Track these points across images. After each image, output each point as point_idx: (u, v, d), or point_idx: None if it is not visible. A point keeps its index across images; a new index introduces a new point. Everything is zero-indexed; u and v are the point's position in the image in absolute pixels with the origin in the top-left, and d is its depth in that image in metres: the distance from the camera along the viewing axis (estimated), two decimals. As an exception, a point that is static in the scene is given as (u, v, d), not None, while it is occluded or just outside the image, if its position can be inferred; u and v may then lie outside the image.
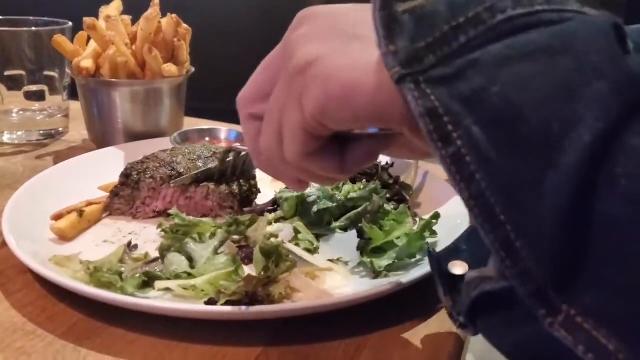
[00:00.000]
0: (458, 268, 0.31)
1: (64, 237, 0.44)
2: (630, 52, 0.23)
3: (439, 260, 0.32)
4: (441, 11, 0.24)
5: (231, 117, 0.81)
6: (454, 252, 0.33)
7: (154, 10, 0.59)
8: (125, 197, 0.49)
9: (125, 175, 0.50)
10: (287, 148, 0.28)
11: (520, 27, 0.23)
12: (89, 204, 0.49)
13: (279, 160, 0.29)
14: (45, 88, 0.70)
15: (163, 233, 0.44)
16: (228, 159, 0.49)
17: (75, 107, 0.72)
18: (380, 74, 0.24)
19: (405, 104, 0.23)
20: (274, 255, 0.39)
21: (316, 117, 0.26)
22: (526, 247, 0.20)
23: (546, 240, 0.20)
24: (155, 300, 0.37)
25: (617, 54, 0.21)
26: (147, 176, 0.49)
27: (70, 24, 0.69)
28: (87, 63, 0.59)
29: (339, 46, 0.27)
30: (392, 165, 0.59)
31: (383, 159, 0.59)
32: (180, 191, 0.48)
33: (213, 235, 0.42)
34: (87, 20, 0.59)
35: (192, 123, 0.74)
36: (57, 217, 0.47)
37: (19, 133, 0.70)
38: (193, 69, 0.67)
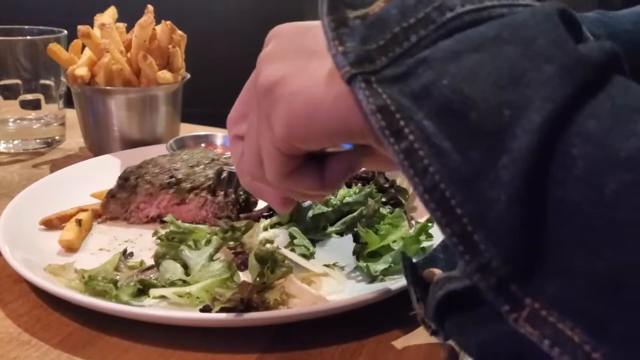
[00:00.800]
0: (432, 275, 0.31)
1: (72, 248, 0.44)
2: (584, 38, 0.23)
3: (414, 267, 0.31)
4: (392, 14, 0.24)
5: (226, 122, 0.81)
6: (430, 260, 0.32)
7: (148, 17, 0.59)
8: (121, 200, 0.49)
9: (124, 178, 0.50)
10: (267, 170, 0.28)
11: (469, 23, 0.23)
12: (80, 210, 0.49)
13: (262, 181, 0.29)
14: (41, 97, 0.70)
15: (158, 240, 0.44)
16: (222, 176, 0.48)
17: (72, 115, 0.72)
18: (335, 86, 0.24)
19: (359, 108, 0.22)
20: (270, 261, 0.39)
21: (285, 138, 0.26)
22: (484, 239, 0.19)
23: (503, 230, 0.19)
24: (150, 308, 0.37)
25: (563, 37, 0.21)
26: (145, 181, 0.48)
27: (65, 32, 0.69)
28: (82, 71, 0.59)
29: (300, 64, 0.27)
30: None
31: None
32: (175, 198, 0.48)
33: (208, 242, 0.42)
34: (82, 28, 0.60)
35: (188, 129, 0.74)
36: (46, 222, 0.47)
37: (15, 142, 0.70)
38: (188, 75, 0.67)
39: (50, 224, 0.48)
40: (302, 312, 0.36)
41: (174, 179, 0.48)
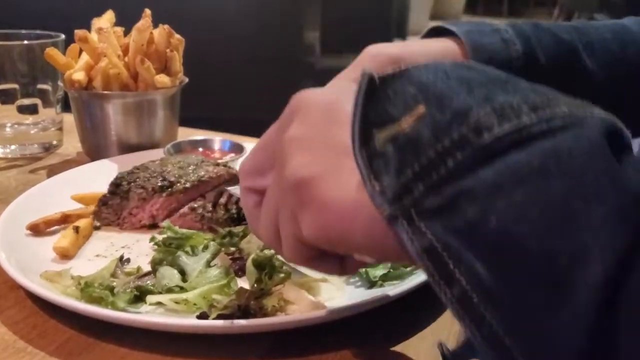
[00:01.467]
0: None
1: (67, 255, 0.44)
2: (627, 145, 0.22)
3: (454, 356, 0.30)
4: (424, 135, 0.23)
5: (224, 125, 0.81)
6: (468, 349, 0.30)
7: (145, 21, 0.59)
8: (114, 207, 0.49)
9: (115, 184, 0.49)
10: (285, 249, 0.29)
11: (509, 146, 0.22)
12: (64, 215, 0.48)
13: (277, 250, 0.30)
14: (38, 101, 0.70)
15: (156, 246, 0.43)
16: (221, 200, 0.48)
17: (69, 119, 0.71)
18: (372, 207, 0.23)
19: (398, 240, 0.22)
20: (267, 267, 0.38)
21: (313, 242, 0.26)
22: None
23: None
24: (147, 315, 0.37)
25: (615, 172, 0.21)
26: (137, 185, 0.48)
27: (63, 36, 0.69)
28: (79, 75, 0.59)
29: (331, 164, 0.26)
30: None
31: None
32: (169, 201, 0.48)
33: (206, 247, 0.42)
34: (79, 32, 0.59)
35: (186, 133, 0.73)
36: (32, 227, 0.47)
37: (13, 147, 0.70)
38: (186, 79, 0.67)
39: (37, 229, 0.47)
40: (301, 319, 0.36)
41: (166, 181, 0.48)
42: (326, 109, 0.28)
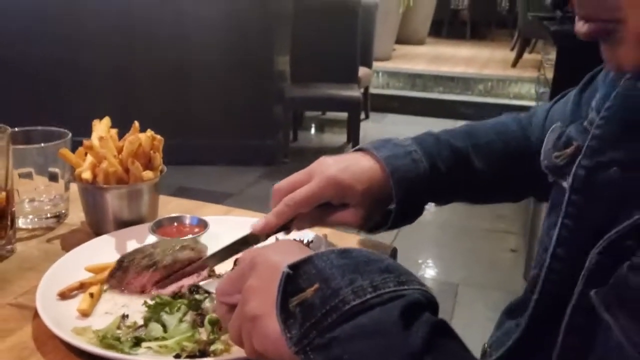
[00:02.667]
0: None
1: (86, 315, 0.65)
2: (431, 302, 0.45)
3: None
4: (316, 302, 0.43)
5: (203, 152, 1.03)
6: None
7: (135, 137, 0.81)
8: (118, 277, 0.71)
9: (119, 262, 0.71)
10: (245, 349, 0.48)
11: (359, 311, 0.41)
12: (81, 283, 0.70)
13: (240, 346, 0.50)
14: (51, 184, 0.92)
15: (147, 308, 0.65)
16: (197, 296, 0.68)
17: (73, 189, 0.92)
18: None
19: None
20: (217, 323, 0.61)
21: (260, 355, 0.47)
22: None
23: None
24: (142, 356, 0.59)
25: (400, 338, 0.40)
26: (133, 264, 0.70)
27: (70, 134, 0.91)
28: (87, 175, 0.81)
29: (270, 309, 0.45)
30: (311, 242, 0.81)
31: (304, 237, 0.81)
32: (155, 275, 0.70)
33: (179, 309, 0.64)
34: (86, 142, 0.82)
35: (164, 202, 0.95)
36: (61, 294, 0.68)
37: (31, 217, 0.91)
38: (165, 169, 0.89)
39: (63, 295, 0.69)
40: (239, 357, 0.58)
41: (152, 261, 0.70)
42: (272, 270, 0.46)
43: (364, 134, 4.73)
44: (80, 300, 0.67)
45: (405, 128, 5.24)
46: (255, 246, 0.71)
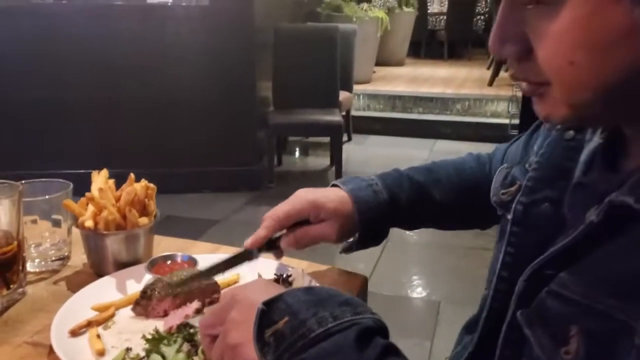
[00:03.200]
0: None
1: (102, 353, 0.75)
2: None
3: None
4: (287, 332, 0.51)
5: (188, 179, 1.14)
6: None
7: (131, 188, 0.92)
8: (143, 305, 0.82)
9: (143, 292, 0.82)
10: None
11: (322, 338, 0.50)
12: (89, 321, 0.80)
13: None
14: (55, 230, 1.02)
15: (145, 341, 0.75)
16: (191, 330, 0.77)
17: (74, 232, 1.02)
18: None
19: None
20: (210, 352, 0.71)
21: None
22: None
23: None
24: (146, 383, 0.69)
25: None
26: (155, 293, 0.81)
27: (71, 185, 1.01)
28: (89, 223, 0.91)
29: (248, 338, 0.53)
30: (290, 275, 0.92)
31: (284, 272, 0.92)
32: (175, 300, 0.81)
33: (175, 341, 0.74)
34: (88, 195, 0.92)
35: (157, 241, 1.05)
36: (72, 332, 0.78)
37: (37, 261, 1.01)
38: (159, 213, 1.00)
39: (74, 333, 0.78)
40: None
41: (173, 289, 0.81)
42: (249, 305, 0.55)
43: (347, 155, 4.87)
44: (90, 341, 0.77)
45: (387, 149, 5.38)
46: (248, 261, 0.84)
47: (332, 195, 0.88)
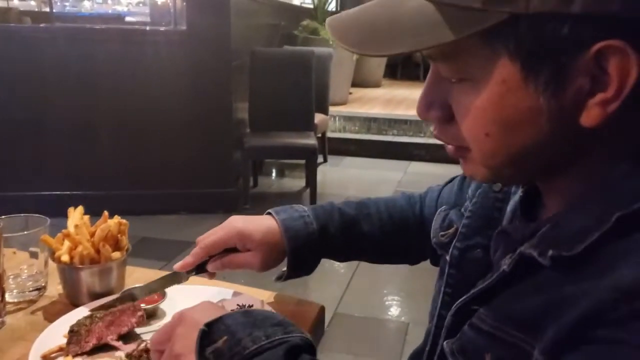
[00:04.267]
0: None
1: None
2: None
3: None
4: (225, 351, 0.57)
5: (168, 200, 1.21)
6: None
7: (105, 225, 1.00)
8: (75, 343, 0.86)
9: (70, 332, 0.87)
10: None
11: (255, 354, 0.56)
12: (60, 347, 0.87)
13: None
14: (32, 261, 1.08)
15: (117, 368, 0.83)
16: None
17: (49, 264, 1.09)
18: None
19: None
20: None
21: None
22: None
23: None
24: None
25: None
26: (82, 327, 0.87)
27: (49, 221, 1.08)
28: (65, 258, 0.98)
29: (188, 350, 0.60)
30: (251, 305, 1.00)
31: (245, 302, 1.00)
32: (104, 327, 0.88)
33: (143, 368, 0.82)
34: (64, 231, 0.99)
35: (129, 272, 1.12)
36: (44, 357, 0.85)
37: (15, 291, 1.07)
38: (130, 247, 1.07)
39: (45, 357, 0.85)
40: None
41: (95, 317, 0.89)
42: (193, 323, 0.62)
43: (322, 177, 4.96)
44: (65, 366, 0.84)
45: (362, 170, 5.49)
46: (178, 284, 0.94)
47: (261, 226, 0.93)
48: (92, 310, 0.92)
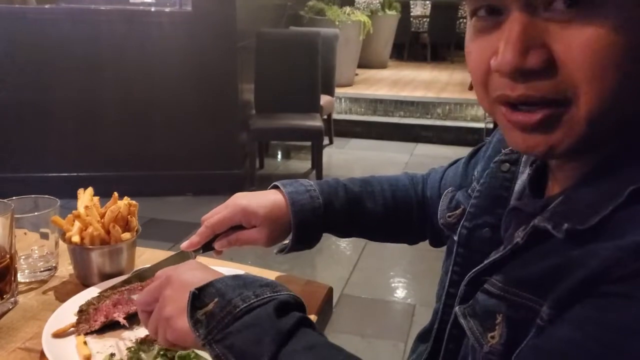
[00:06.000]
0: None
1: (88, 359, 0.82)
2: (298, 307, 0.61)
3: None
4: (216, 311, 0.58)
5: (173, 182, 1.22)
6: None
7: (115, 206, 1.00)
8: (84, 321, 0.88)
9: (79, 311, 0.88)
10: (160, 340, 0.65)
11: (245, 312, 0.58)
12: (72, 324, 0.88)
13: (158, 339, 0.66)
14: (43, 242, 1.09)
15: (127, 351, 0.84)
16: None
17: (60, 244, 1.10)
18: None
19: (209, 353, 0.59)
20: (187, 357, 0.79)
21: (169, 344, 0.65)
22: None
23: None
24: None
25: (274, 329, 0.56)
26: (89, 305, 0.88)
27: (59, 202, 1.09)
28: (76, 238, 0.99)
29: (178, 312, 0.62)
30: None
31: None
32: (112, 305, 0.89)
33: (151, 349, 0.83)
34: (75, 212, 1.00)
35: (139, 253, 1.13)
36: (56, 334, 0.86)
37: (27, 272, 1.08)
38: (140, 229, 1.08)
39: (57, 335, 0.86)
40: (201, 383, 0.77)
41: (103, 296, 0.90)
42: (183, 284, 0.64)
43: (328, 158, 4.96)
44: (78, 347, 0.85)
45: (368, 152, 5.48)
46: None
47: (266, 201, 0.93)
48: (101, 291, 0.93)
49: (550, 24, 0.48)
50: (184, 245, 0.93)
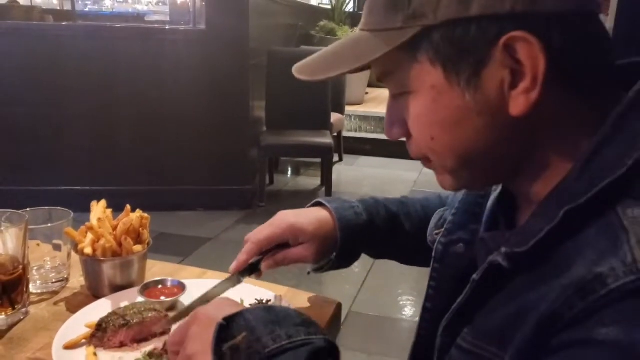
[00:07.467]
0: None
1: None
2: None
3: None
4: (243, 346, 0.54)
5: (182, 197, 1.24)
6: None
7: (127, 219, 1.02)
8: (99, 337, 0.88)
9: (98, 324, 0.89)
10: None
11: (276, 354, 0.53)
12: (83, 336, 0.89)
13: None
14: (56, 253, 1.11)
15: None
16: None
17: (73, 255, 1.11)
18: None
19: None
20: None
21: None
22: None
23: None
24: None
25: None
26: (110, 325, 0.89)
27: (72, 214, 1.11)
28: (88, 250, 1.01)
29: (203, 349, 0.57)
30: (269, 300, 1.01)
31: (264, 297, 1.01)
32: (129, 332, 0.89)
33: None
34: (88, 224, 1.02)
35: (149, 266, 1.15)
36: (68, 345, 0.87)
37: (39, 283, 1.10)
38: (152, 241, 1.09)
39: (69, 346, 0.88)
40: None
41: (124, 321, 0.89)
42: (209, 320, 0.59)
43: (337, 175, 4.98)
44: (87, 358, 0.86)
45: (377, 169, 5.49)
46: (234, 286, 0.91)
47: (313, 218, 0.92)
48: (126, 307, 0.92)
49: (402, 103, 0.59)
50: (232, 267, 0.90)
